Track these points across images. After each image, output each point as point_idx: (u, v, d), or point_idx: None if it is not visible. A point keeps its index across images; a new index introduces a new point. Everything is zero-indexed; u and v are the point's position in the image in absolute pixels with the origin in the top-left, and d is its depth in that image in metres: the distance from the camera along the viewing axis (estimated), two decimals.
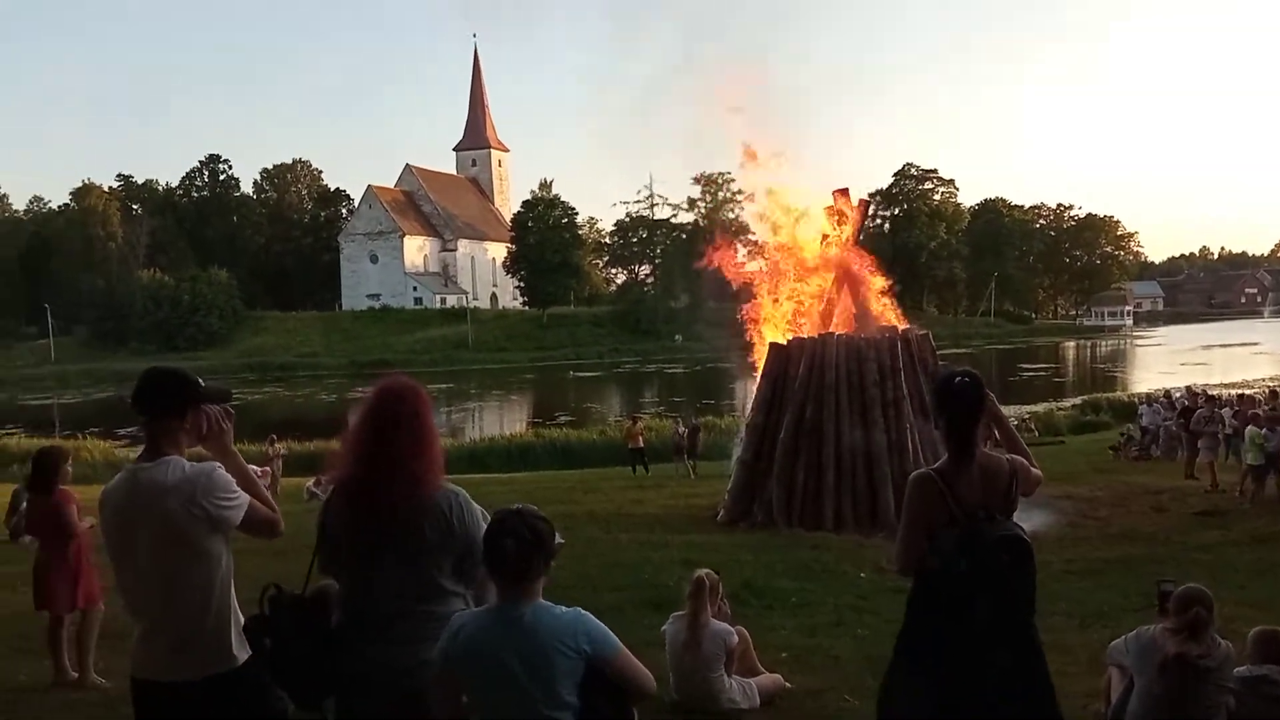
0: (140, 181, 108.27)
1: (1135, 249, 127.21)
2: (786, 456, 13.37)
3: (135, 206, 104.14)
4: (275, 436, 22.84)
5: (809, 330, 14.82)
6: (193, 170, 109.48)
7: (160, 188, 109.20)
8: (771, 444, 13.61)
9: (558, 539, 2.82)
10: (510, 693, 2.66)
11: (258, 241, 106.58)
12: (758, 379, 14.70)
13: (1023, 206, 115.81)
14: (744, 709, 5.59)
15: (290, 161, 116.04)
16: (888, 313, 15.23)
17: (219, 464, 3.11)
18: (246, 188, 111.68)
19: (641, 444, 22.55)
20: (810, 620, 7.97)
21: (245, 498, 3.10)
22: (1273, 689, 4.42)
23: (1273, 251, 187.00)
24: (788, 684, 6.00)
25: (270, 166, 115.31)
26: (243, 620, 3.14)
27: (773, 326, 15.37)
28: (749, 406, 15.89)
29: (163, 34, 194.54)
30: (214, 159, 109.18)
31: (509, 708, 2.68)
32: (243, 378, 68.66)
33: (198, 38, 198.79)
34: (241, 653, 3.09)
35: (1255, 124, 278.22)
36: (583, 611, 2.74)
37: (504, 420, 47.63)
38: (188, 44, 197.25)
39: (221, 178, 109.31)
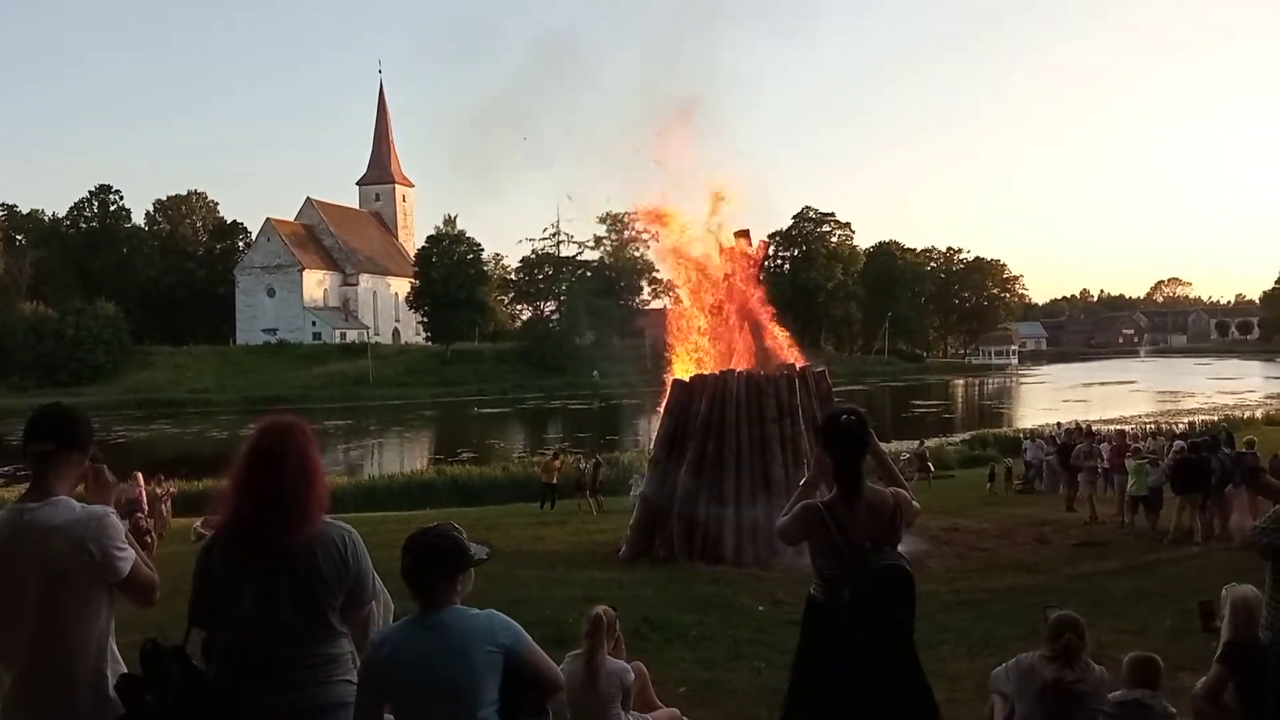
0: (25, 211, 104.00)
1: (1020, 291, 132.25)
2: (688, 492, 13.49)
3: (19, 237, 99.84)
4: (162, 477, 21.95)
5: (711, 367, 15.03)
6: (81, 201, 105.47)
7: (46, 218, 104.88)
8: (674, 480, 13.71)
9: (479, 551, 2.93)
10: (438, 697, 2.73)
11: (148, 274, 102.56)
12: (661, 415, 14.83)
13: (915, 250, 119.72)
14: None
15: (185, 193, 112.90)
16: (786, 350, 15.56)
17: (111, 510, 3.00)
18: (139, 219, 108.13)
19: (555, 480, 22.53)
20: (709, 654, 8.03)
21: (132, 553, 2.99)
22: (1146, 713, 4.60)
23: (1148, 294, 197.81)
24: (685, 719, 6.02)
25: (164, 198, 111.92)
26: (122, 671, 3.00)
27: (679, 363, 15.55)
28: (652, 442, 16.00)
29: (53, 60, 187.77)
30: (104, 189, 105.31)
31: (438, 714, 2.75)
32: (128, 414, 65.92)
33: (90, 64, 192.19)
34: (119, 705, 2.96)
35: (1133, 172, 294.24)
36: (495, 611, 2.88)
37: (405, 457, 46.76)
38: (80, 71, 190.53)
39: (112, 208, 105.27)
